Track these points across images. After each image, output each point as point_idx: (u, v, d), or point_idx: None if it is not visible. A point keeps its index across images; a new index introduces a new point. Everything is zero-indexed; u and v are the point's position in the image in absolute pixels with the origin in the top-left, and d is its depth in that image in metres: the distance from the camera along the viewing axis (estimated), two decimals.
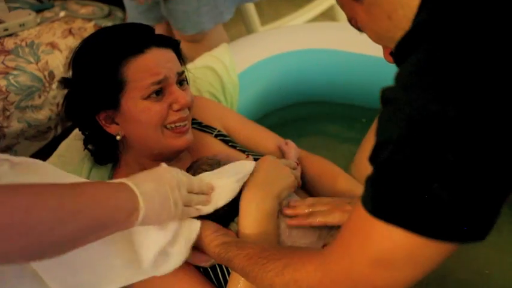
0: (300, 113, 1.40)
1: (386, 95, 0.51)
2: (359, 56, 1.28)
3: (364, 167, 0.65)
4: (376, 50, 1.26)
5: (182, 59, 0.92)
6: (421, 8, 0.52)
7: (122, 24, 0.90)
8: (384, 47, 0.67)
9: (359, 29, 0.66)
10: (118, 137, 0.88)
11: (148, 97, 0.83)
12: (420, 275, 0.52)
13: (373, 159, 0.52)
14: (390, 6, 0.57)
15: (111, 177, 0.96)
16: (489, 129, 0.45)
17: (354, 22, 0.66)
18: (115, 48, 0.84)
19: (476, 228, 0.48)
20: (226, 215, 0.80)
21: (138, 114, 0.84)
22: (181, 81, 0.87)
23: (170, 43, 0.88)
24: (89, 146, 0.93)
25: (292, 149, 1.00)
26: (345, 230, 0.57)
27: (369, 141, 0.91)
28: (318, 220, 0.80)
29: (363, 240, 0.53)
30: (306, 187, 0.98)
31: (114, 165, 0.97)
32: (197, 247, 0.78)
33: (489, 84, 0.45)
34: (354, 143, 0.92)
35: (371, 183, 0.52)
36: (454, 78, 0.46)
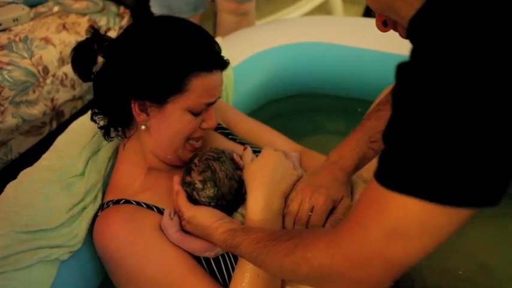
0: (294, 105, 1.41)
1: (401, 71, 0.51)
2: (353, 49, 1.29)
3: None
4: (369, 44, 1.27)
5: None
6: None
7: (204, 32, 0.88)
8: (377, 15, 0.66)
9: None
10: (143, 127, 0.87)
11: (191, 111, 0.85)
12: (432, 246, 0.52)
13: (385, 133, 0.53)
14: None
15: (113, 164, 0.97)
16: (504, 111, 0.46)
17: None
18: (194, 56, 0.83)
19: (487, 193, 0.49)
20: (230, 205, 0.83)
21: (175, 120, 0.85)
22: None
23: (226, 66, 0.89)
24: (99, 121, 0.91)
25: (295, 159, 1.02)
26: (359, 206, 0.57)
27: (360, 132, 0.89)
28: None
29: (378, 213, 0.53)
30: None
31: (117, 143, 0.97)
32: (202, 236, 0.79)
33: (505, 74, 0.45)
34: (346, 134, 0.93)
35: (385, 158, 0.53)
36: (474, 64, 0.46)
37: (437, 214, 0.50)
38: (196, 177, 0.83)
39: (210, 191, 0.83)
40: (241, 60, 1.29)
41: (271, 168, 0.83)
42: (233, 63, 1.27)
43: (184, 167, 0.87)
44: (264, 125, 1.10)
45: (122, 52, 0.84)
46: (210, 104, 0.86)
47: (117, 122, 0.89)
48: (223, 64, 0.87)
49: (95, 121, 0.91)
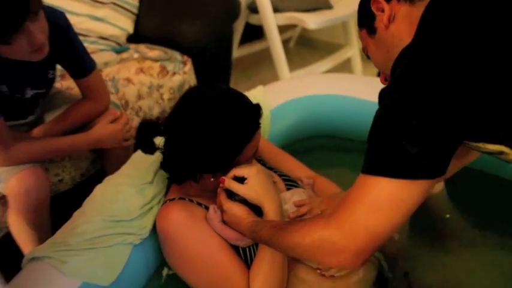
0: (318, 144, 1.42)
1: (380, 93, 0.63)
2: (367, 102, 1.30)
3: None
4: None
5: None
6: (409, 42, 0.65)
7: (246, 99, 0.87)
8: (381, 73, 0.79)
9: (368, 56, 0.79)
10: (212, 179, 0.89)
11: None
12: (398, 217, 0.59)
13: (368, 138, 0.63)
14: (389, 44, 0.71)
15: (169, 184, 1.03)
16: (439, 109, 0.56)
17: (365, 50, 0.80)
18: (248, 130, 0.85)
19: (434, 169, 0.57)
20: (256, 210, 0.86)
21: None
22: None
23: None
24: (167, 169, 0.95)
25: (308, 185, 1.06)
26: (348, 193, 0.64)
27: None
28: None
29: (361, 194, 0.60)
30: None
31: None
32: (233, 225, 0.85)
33: (440, 82, 0.57)
34: (357, 171, 0.99)
35: (366, 154, 0.62)
36: (418, 75, 0.58)
37: (399, 188, 0.57)
38: None
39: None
40: (277, 105, 1.34)
41: (264, 180, 0.85)
42: (271, 106, 1.32)
43: None
44: (288, 155, 1.14)
45: (183, 132, 0.84)
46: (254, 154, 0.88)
47: (179, 178, 0.94)
48: (259, 123, 0.87)
49: (164, 169, 0.94)
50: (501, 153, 0.63)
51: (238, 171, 0.86)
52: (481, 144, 0.62)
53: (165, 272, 1.00)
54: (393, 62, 0.67)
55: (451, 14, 0.62)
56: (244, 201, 0.86)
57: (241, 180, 0.86)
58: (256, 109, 0.87)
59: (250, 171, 0.85)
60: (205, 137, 0.83)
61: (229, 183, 0.85)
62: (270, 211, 0.84)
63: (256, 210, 0.86)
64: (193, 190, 0.96)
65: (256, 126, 0.87)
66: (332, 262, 0.64)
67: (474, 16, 0.60)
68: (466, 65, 0.58)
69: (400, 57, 0.65)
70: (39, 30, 0.85)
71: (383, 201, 0.59)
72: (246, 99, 0.87)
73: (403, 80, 0.60)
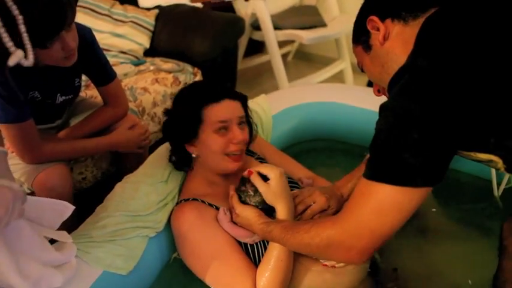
0: (314, 146, 1.42)
1: (381, 107, 0.62)
2: (357, 108, 1.33)
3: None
4: (368, 105, 1.32)
5: (246, 108, 0.98)
6: (406, 61, 0.64)
7: (208, 81, 1.01)
8: (375, 85, 0.78)
9: (362, 70, 0.77)
10: (194, 155, 0.96)
11: (216, 132, 0.90)
12: (400, 219, 0.58)
13: (370, 146, 0.61)
14: (384, 59, 0.69)
15: (183, 179, 1.04)
16: (439, 122, 0.55)
17: (360, 65, 0.77)
18: (201, 96, 0.92)
19: (433, 178, 0.57)
20: (268, 209, 0.85)
21: (209, 142, 0.91)
22: (241, 123, 0.93)
23: (239, 97, 0.95)
24: (173, 158, 1.02)
25: (308, 184, 1.05)
26: (352, 196, 0.63)
27: (359, 170, 0.96)
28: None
29: (366, 198, 0.59)
30: None
31: (186, 171, 1.04)
32: (246, 226, 0.84)
33: (439, 98, 0.56)
34: (349, 171, 0.98)
35: (369, 161, 0.61)
36: (420, 91, 0.57)
37: (401, 195, 0.57)
38: (249, 187, 0.86)
39: (258, 198, 0.85)
40: (279, 111, 1.35)
41: (284, 184, 0.85)
42: (273, 112, 1.33)
43: (239, 179, 0.90)
44: (289, 157, 1.14)
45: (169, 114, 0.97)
46: (224, 122, 0.89)
47: (179, 161, 0.99)
48: (227, 93, 0.91)
49: (171, 160, 1.01)
50: (490, 161, 0.62)
51: (264, 170, 0.85)
52: (472, 153, 0.62)
53: (173, 255, 0.99)
54: (389, 76, 0.65)
55: (445, 36, 0.61)
56: (259, 204, 0.85)
57: (264, 178, 0.85)
58: (209, 85, 0.95)
59: (275, 173, 0.84)
60: (172, 109, 0.96)
61: (255, 177, 0.84)
62: (282, 213, 0.83)
63: (268, 211, 0.85)
64: (203, 188, 0.96)
65: (216, 94, 0.91)
66: (340, 259, 0.65)
67: (465, 36, 0.59)
68: (463, 80, 0.57)
69: (398, 75, 0.63)
70: (71, 38, 0.91)
71: (387, 206, 0.59)
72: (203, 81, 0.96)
73: (404, 96, 0.58)
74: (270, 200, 0.84)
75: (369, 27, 0.72)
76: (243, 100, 0.97)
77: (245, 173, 0.87)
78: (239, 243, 0.87)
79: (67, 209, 0.72)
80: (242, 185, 0.88)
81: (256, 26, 2.19)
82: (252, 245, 0.87)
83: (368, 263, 0.90)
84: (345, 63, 2.33)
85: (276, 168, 0.86)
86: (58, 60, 0.93)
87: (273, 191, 0.83)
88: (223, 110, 0.91)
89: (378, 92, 0.79)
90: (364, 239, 0.61)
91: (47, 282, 0.65)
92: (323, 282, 0.84)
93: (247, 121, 0.97)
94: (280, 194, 0.84)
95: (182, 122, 0.94)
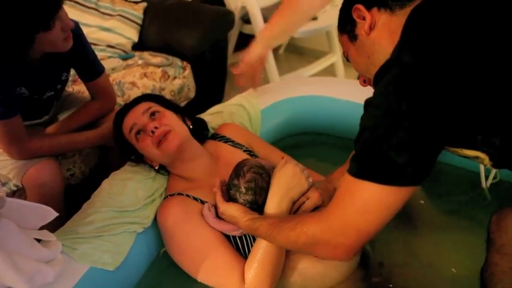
0: (302, 140, 1.41)
1: (366, 102, 0.61)
2: (347, 101, 1.32)
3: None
4: (358, 98, 1.30)
5: (157, 99, 1.03)
6: (392, 54, 0.62)
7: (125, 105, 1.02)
8: (361, 76, 0.76)
9: (348, 60, 0.75)
10: (151, 163, 1.01)
11: (137, 139, 0.97)
12: (385, 218, 0.58)
13: (355, 142, 0.60)
14: (370, 50, 0.68)
15: (168, 179, 1.04)
16: (426, 119, 0.54)
17: (346, 55, 0.76)
18: (119, 120, 1.00)
19: (420, 176, 0.56)
20: (258, 208, 0.85)
21: (143, 151, 0.98)
22: (153, 113, 0.96)
23: (142, 98, 1.01)
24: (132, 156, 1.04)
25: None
26: (338, 193, 0.62)
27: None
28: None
29: (351, 196, 0.59)
30: None
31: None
32: (231, 223, 0.83)
33: (427, 94, 0.55)
34: (339, 164, 0.98)
35: (354, 158, 0.59)
36: (406, 87, 0.56)
37: (388, 193, 0.56)
38: (242, 184, 0.85)
39: (249, 197, 0.84)
40: (267, 105, 1.33)
41: (288, 179, 0.84)
42: (261, 106, 1.31)
43: (233, 170, 0.88)
44: (278, 150, 1.13)
45: None
46: (132, 129, 0.95)
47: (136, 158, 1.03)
48: (132, 105, 0.98)
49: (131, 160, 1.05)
50: (477, 157, 0.62)
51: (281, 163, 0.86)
52: (459, 150, 0.61)
53: (162, 250, 0.98)
54: (375, 68, 0.64)
55: (431, 28, 0.59)
56: (249, 203, 0.84)
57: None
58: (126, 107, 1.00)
59: (280, 163, 0.85)
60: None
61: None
62: (269, 205, 0.83)
63: (256, 211, 0.84)
64: (183, 185, 0.96)
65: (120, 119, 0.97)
66: (326, 256, 0.64)
67: (451, 28, 0.58)
68: (448, 76, 0.56)
69: (383, 68, 0.62)
70: (66, 17, 0.94)
71: (373, 205, 0.58)
72: None
73: (391, 92, 0.57)
74: (271, 184, 0.84)
75: (354, 16, 0.70)
76: (148, 97, 1.02)
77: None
78: (227, 236, 0.87)
79: (50, 213, 0.72)
80: (235, 177, 0.87)
81: (246, 20, 2.18)
82: (240, 237, 0.86)
83: (358, 255, 0.90)
84: (336, 56, 2.32)
85: (289, 161, 0.86)
86: (58, 43, 0.95)
87: (276, 177, 0.84)
88: (129, 120, 0.98)
89: (364, 83, 0.77)
90: (350, 238, 0.60)
91: (40, 277, 0.65)
92: (316, 273, 0.84)
93: (166, 106, 1.00)
94: (278, 184, 0.84)
95: (128, 151, 1.02)
